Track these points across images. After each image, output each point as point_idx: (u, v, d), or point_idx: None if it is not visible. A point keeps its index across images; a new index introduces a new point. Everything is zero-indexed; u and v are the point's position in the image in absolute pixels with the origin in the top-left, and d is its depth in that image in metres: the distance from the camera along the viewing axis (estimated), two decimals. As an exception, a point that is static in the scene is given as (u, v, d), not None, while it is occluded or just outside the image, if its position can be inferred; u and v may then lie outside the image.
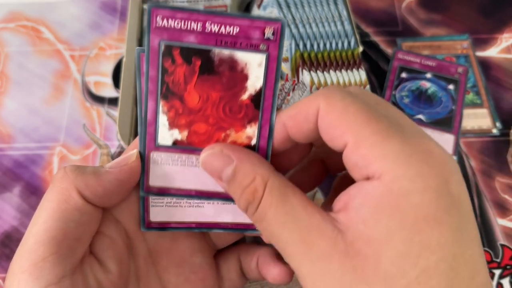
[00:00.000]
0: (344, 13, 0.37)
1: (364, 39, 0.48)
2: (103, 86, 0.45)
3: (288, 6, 0.37)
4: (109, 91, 0.45)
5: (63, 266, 0.20)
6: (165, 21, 0.21)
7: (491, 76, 0.46)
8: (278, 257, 0.26)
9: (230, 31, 0.21)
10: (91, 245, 0.22)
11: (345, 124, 0.19)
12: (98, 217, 0.22)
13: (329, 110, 0.20)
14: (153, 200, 0.24)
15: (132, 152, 0.23)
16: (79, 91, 0.45)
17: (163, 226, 0.24)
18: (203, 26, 0.21)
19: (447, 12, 0.50)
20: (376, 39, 0.48)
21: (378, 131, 0.18)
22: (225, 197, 0.24)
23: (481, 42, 0.48)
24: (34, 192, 0.40)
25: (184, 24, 0.21)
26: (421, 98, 0.44)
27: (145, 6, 0.46)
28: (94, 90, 0.45)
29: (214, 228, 0.24)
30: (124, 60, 0.39)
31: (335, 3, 0.38)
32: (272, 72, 0.22)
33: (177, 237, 0.26)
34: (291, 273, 0.25)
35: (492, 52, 0.48)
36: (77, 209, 0.21)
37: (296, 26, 0.36)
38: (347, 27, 0.37)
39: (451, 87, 0.45)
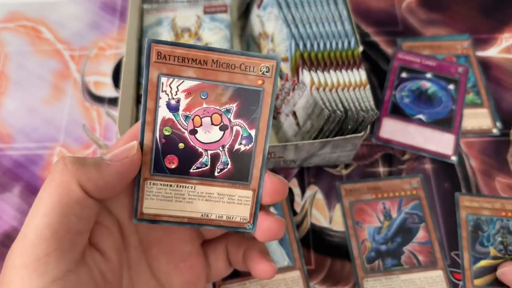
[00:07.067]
0: (344, 13, 0.37)
1: (364, 39, 0.48)
2: (103, 86, 0.45)
3: (288, 6, 0.37)
4: (109, 91, 0.45)
5: (67, 260, 0.20)
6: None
7: (491, 76, 0.46)
8: (264, 253, 0.27)
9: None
10: (90, 236, 0.22)
11: None
12: (97, 209, 0.22)
13: None
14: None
15: (132, 144, 0.23)
16: (79, 91, 0.45)
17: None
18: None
19: (447, 12, 0.50)
20: (376, 39, 0.48)
21: None
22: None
23: (482, 42, 0.48)
24: (34, 192, 0.40)
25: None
26: (421, 98, 0.44)
27: (145, 6, 0.46)
28: (93, 90, 0.45)
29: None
30: (124, 60, 0.39)
31: (335, 3, 0.38)
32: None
33: (168, 228, 0.26)
34: (274, 270, 0.26)
35: (493, 52, 0.47)
36: (78, 203, 0.21)
37: (296, 26, 0.36)
38: (347, 27, 0.37)
39: (451, 87, 0.45)
